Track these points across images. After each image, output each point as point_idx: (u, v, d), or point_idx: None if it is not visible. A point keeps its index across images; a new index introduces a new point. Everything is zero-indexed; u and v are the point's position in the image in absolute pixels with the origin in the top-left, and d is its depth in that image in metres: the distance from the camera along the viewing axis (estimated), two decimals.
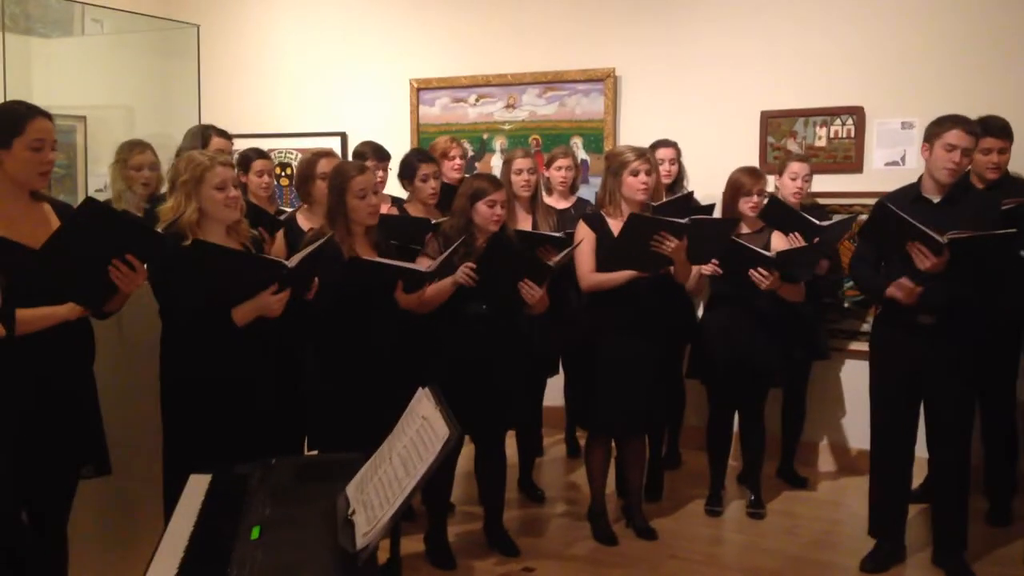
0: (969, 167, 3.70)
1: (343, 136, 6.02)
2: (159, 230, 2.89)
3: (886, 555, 3.67)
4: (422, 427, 2.07)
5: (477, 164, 5.68)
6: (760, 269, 3.79)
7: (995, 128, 3.92)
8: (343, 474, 2.21)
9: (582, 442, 4.53)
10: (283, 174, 6.18)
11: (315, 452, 3.45)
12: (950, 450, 3.54)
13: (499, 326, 3.61)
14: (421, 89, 5.85)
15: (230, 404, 2.92)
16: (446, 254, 3.40)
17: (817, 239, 3.97)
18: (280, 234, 3.70)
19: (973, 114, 3.57)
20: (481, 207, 3.58)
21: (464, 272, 3.46)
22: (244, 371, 2.95)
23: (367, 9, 6.03)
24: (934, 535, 3.67)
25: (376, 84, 5.99)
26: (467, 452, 3.90)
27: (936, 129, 3.40)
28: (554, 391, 4.72)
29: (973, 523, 3.68)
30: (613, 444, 4.04)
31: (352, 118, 6.02)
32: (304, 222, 3.81)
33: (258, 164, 4.37)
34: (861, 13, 4.71)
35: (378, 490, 2.02)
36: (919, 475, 3.88)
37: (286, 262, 2.96)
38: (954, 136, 3.34)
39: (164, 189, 4.22)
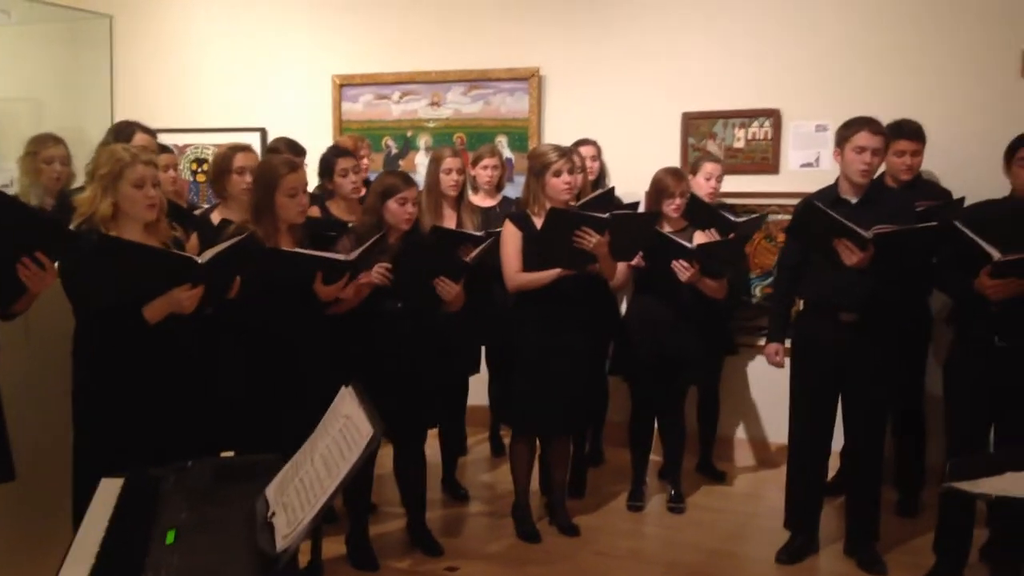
0: (882, 168, 3.83)
1: (263, 132, 5.91)
2: (74, 223, 2.79)
3: (800, 546, 3.76)
4: (345, 426, 2.04)
5: (401, 162, 5.64)
6: (682, 261, 3.85)
7: (908, 131, 4.05)
8: (262, 475, 2.16)
9: (506, 440, 4.54)
10: (199, 170, 6.03)
11: (232, 453, 3.37)
12: (866, 444, 3.64)
13: (417, 324, 3.59)
14: (344, 85, 5.77)
15: (144, 405, 2.83)
16: (366, 245, 3.37)
17: (732, 235, 4.07)
18: (195, 232, 3.61)
19: (884, 117, 3.68)
20: (392, 205, 3.54)
21: (379, 271, 3.44)
22: (158, 370, 2.86)
23: (289, 2, 5.93)
24: (847, 526, 3.77)
25: (297, 79, 5.89)
26: (388, 452, 3.86)
27: (844, 133, 3.51)
28: (478, 389, 4.72)
29: (884, 514, 3.80)
30: (537, 442, 4.05)
31: (272, 114, 5.91)
32: (218, 219, 3.71)
33: (162, 159, 4.26)
34: (778, 19, 4.82)
35: (299, 491, 1.98)
36: (833, 468, 3.99)
37: (197, 258, 2.89)
38: (862, 138, 3.44)
39: (76, 184, 4.11)
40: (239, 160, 3.72)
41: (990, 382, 3.30)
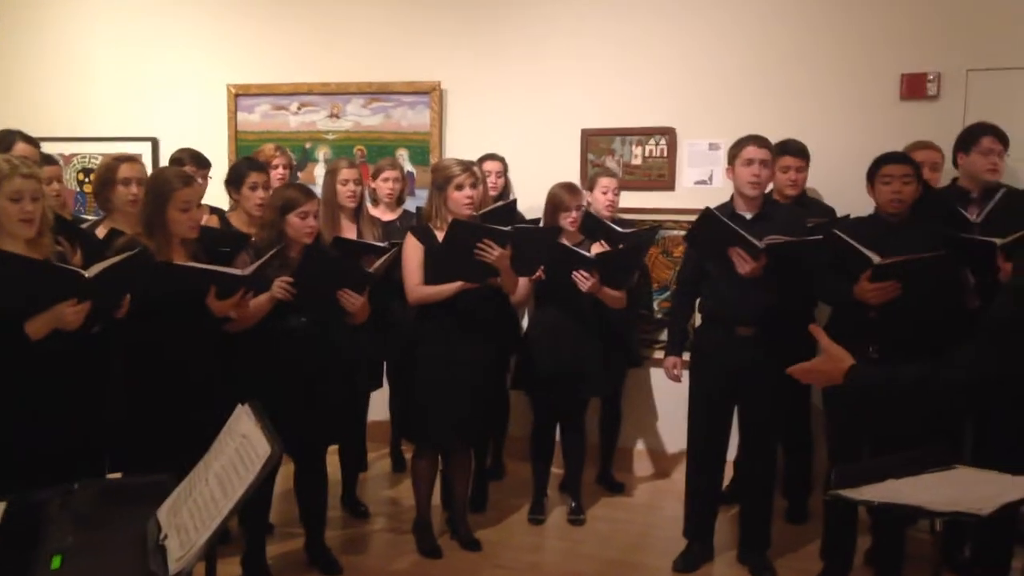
0: (771, 186, 3.98)
1: (154, 141, 5.74)
2: None
3: (696, 555, 3.85)
4: (241, 445, 2.00)
5: (300, 174, 5.56)
6: (582, 271, 3.91)
7: (793, 149, 4.24)
8: (152, 497, 2.09)
9: (407, 455, 4.51)
10: (86, 180, 5.81)
11: (119, 475, 3.25)
12: (758, 454, 3.76)
13: (318, 338, 3.54)
14: (239, 95, 5.66)
15: (25, 424, 2.70)
16: (262, 260, 3.31)
17: (622, 245, 4.17)
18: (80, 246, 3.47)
19: (773, 137, 3.84)
20: (293, 219, 3.49)
21: (280, 286, 3.38)
22: (41, 390, 2.74)
23: (181, 8, 5.78)
24: (740, 534, 3.87)
25: (191, 88, 5.74)
26: (286, 471, 3.79)
27: (734, 150, 3.67)
28: (378, 404, 4.67)
29: (775, 521, 3.91)
30: (439, 456, 4.03)
31: (164, 123, 5.75)
32: (104, 232, 3.58)
33: (45, 171, 4.08)
34: (674, 42, 4.95)
35: (193, 513, 1.92)
36: (728, 477, 4.10)
37: (84, 272, 2.78)
38: (750, 151, 3.60)
39: None
40: (124, 171, 3.61)
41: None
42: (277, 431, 1.98)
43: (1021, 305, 1.89)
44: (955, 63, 4.45)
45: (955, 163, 3.99)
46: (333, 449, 4.07)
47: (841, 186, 4.27)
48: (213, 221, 4.07)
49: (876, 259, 3.24)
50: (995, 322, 1.90)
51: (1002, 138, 3.85)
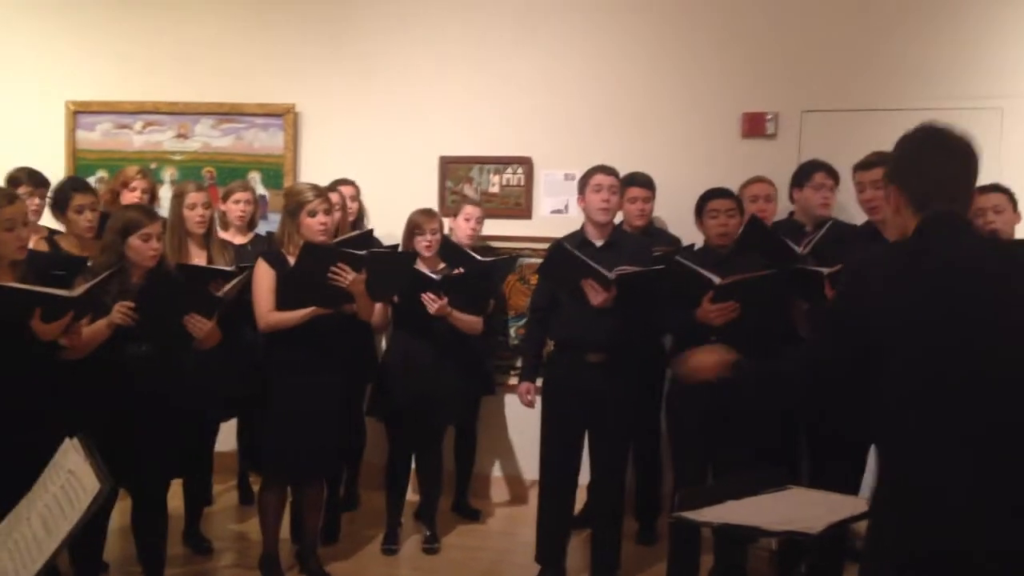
0: (620, 217, 4.10)
1: None
2: None
3: None
4: (68, 482, 1.87)
5: None
6: (430, 293, 3.92)
7: (640, 180, 4.41)
8: None
9: (256, 488, 4.35)
10: None
11: None
12: (610, 478, 3.83)
13: (161, 367, 3.38)
14: (79, 112, 5.39)
15: None
16: (93, 282, 3.12)
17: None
18: None
19: (624, 168, 3.99)
20: (135, 242, 3.34)
21: (120, 311, 3.22)
22: None
23: (20, 22, 5.46)
24: (591, 558, 3.93)
25: (25, 103, 5.44)
26: (124, 506, 3.59)
27: (584, 179, 3.79)
28: (227, 434, 4.51)
29: (625, 543, 3.99)
30: (289, 488, 3.92)
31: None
32: None
33: None
34: (531, 73, 5.05)
35: (13, 554, 1.79)
36: (581, 501, 4.15)
37: None
38: (598, 179, 3.73)
39: None
40: None
41: (708, 415, 3.56)
42: (114, 465, 1.87)
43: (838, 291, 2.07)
44: (791, 104, 4.72)
45: (791, 198, 4.22)
46: (176, 482, 3.88)
47: (686, 217, 4.43)
48: (42, 245, 3.83)
49: (717, 280, 3.39)
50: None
51: (832, 174, 4.11)
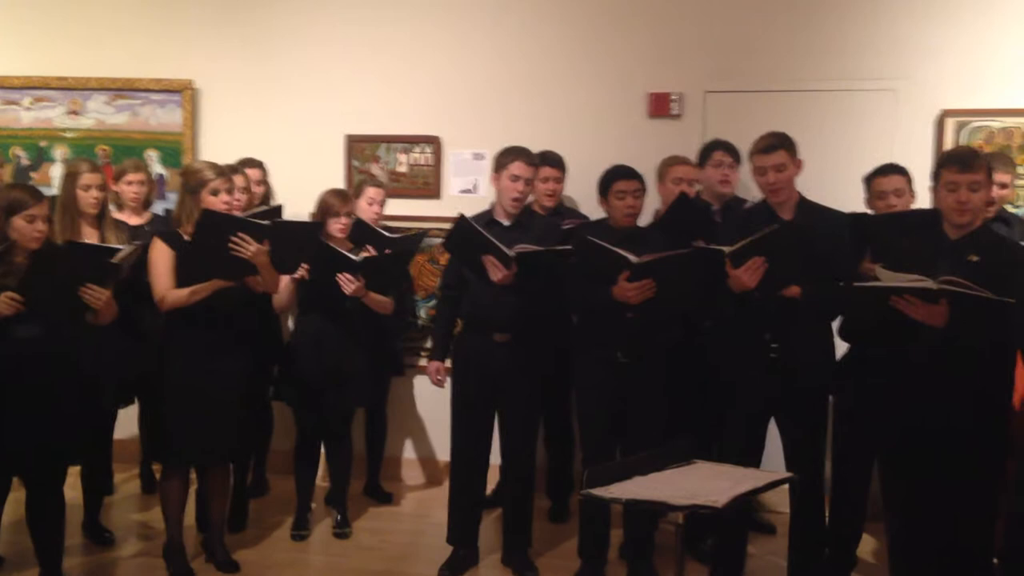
0: (532, 197, 4.09)
1: None
2: None
3: (462, 559, 3.89)
4: None
5: (33, 175, 5.10)
6: (347, 274, 3.86)
7: (552, 160, 4.41)
8: None
9: (159, 475, 4.24)
10: None
11: None
12: (519, 456, 3.85)
13: (52, 351, 3.25)
14: None
15: None
16: None
17: (388, 251, 4.18)
18: None
19: (534, 147, 3.94)
20: (18, 222, 3.21)
21: (4, 301, 3.09)
22: None
23: None
24: (504, 536, 3.95)
25: None
26: (18, 496, 3.44)
27: (502, 160, 3.73)
28: (128, 422, 4.37)
29: (538, 521, 4.03)
30: (193, 475, 3.82)
31: None
32: None
33: None
34: (438, 51, 5.00)
35: None
36: (493, 481, 4.17)
37: None
38: (517, 168, 3.68)
39: None
40: None
41: (614, 393, 3.62)
42: (3, 452, 1.79)
43: None
44: (695, 85, 4.78)
45: None
46: (75, 471, 3.75)
47: (594, 196, 4.48)
48: None
49: (633, 259, 3.40)
50: None
51: (732, 151, 4.17)
